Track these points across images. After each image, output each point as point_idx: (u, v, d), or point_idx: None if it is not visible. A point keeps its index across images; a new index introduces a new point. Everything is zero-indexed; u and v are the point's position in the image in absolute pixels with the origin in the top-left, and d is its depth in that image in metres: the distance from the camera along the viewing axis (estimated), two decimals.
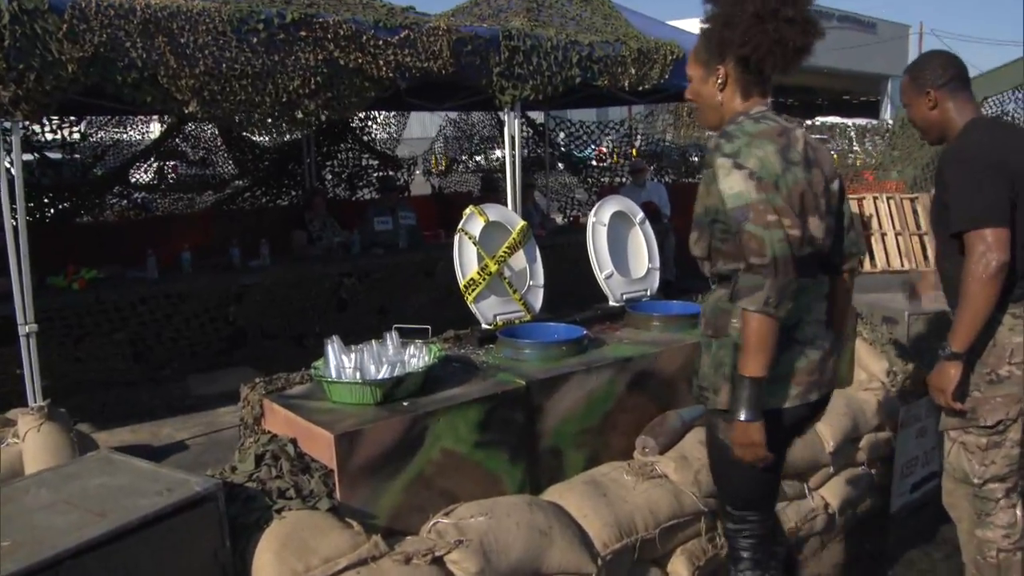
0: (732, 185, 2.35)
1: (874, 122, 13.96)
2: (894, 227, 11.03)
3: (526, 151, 11.56)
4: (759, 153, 2.36)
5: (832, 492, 4.02)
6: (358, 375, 3.15)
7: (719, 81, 2.51)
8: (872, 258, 10.62)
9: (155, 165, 9.55)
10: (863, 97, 39.10)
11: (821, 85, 36.64)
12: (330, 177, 10.18)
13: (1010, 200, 2.73)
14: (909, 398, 4.43)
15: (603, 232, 4.54)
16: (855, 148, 13.06)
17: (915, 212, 10.90)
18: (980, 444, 2.96)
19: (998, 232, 2.69)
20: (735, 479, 2.68)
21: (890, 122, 13.23)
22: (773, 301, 2.30)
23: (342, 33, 5.44)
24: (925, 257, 10.88)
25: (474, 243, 4.04)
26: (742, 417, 2.39)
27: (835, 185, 2.57)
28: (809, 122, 14.58)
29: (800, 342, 2.51)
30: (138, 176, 9.48)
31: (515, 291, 4.14)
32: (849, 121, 14.11)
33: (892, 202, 10.83)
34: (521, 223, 4.28)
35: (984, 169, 2.75)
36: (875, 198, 11.12)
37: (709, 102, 2.57)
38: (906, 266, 10.73)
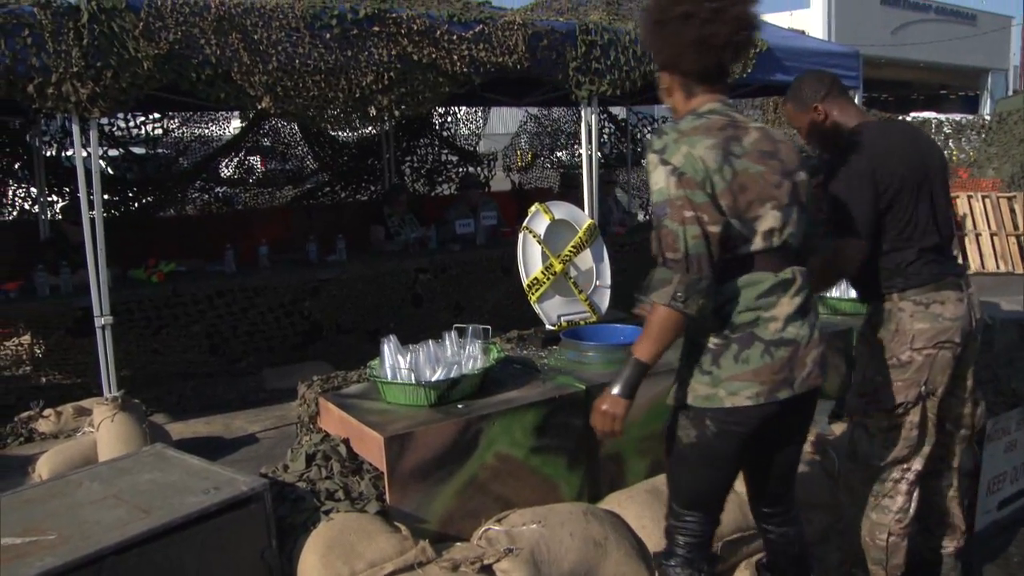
0: (656, 181, 2.39)
1: (970, 117, 13.42)
2: (989, 227, 10.62)
3: (607, 147, 11.42)
4: (685, 149, 2.36)
5: None
6: (412, 376, 3.10)
7: (664, 88, 2.58)
8: (965, 259, 10.24)
9: (236, 160, 9.67)
10: (961, 92, 37.87)
11: (917, 79, 35.62)
12: (409, 172, 10.19)
13: (875, 208, 2.95)
14: (997, 409, 4.20)
15: None
16: (950, 144, 12.58)
17: (1012, 211, 10.48)
18: (881, 426, 3.07)
19: (861, 244, 2.95)
20: (683, 476, 2.64)
21: (987, 117, 12.70)
22: (681, 297, 2.33)
23: (416, 28, 5.40)
24: (1023, 259, 10.47)
25: (538, 241, 3.97)
26: (615, 391, 2.48)
27: (799, 176, 2.51)
28: (902, 118, 14.10)
29: (762, 339, 2.43)
30: (221, 171, 9.63)
31: (581, 291, 4.05)
32: (944, 117, 13.60)
33: (988, 201, 10.42)
34: (588, 221, 4.19)
35: (852, 177, 2.95)
36: (969, 197, 10.71)
37: (672, 108, 2.61)
38: (1002, 268, 10.30)
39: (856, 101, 8.15)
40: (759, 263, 2.43)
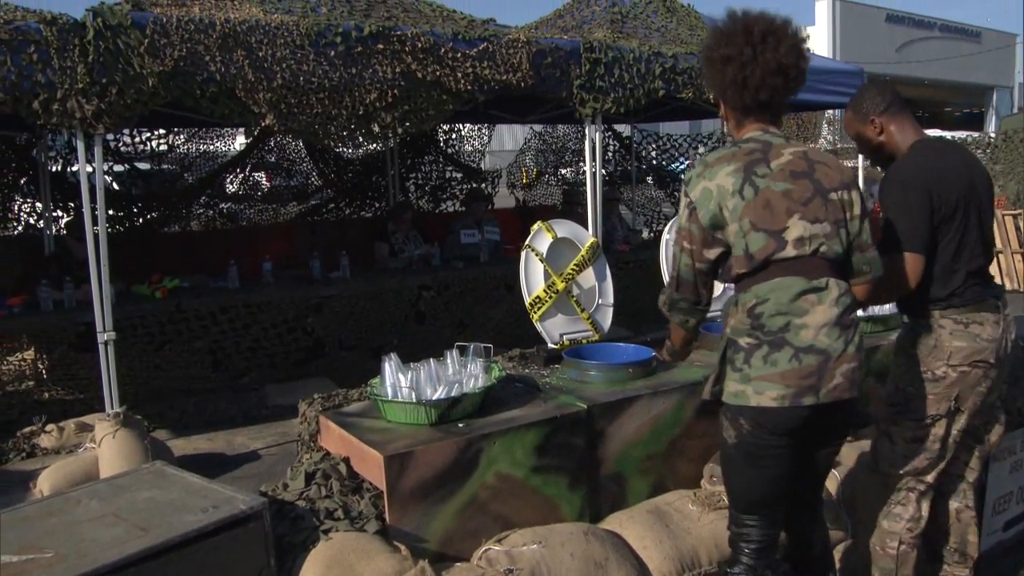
0: (681, 209, 2.77)
1: (975, 135, 13.39)
2: (995, 244, 10.61)
3: (612, 165, 11.42)
4: (703, 185, 2.65)
5: None
6: (413, 395, 3.09)
7: (721, 115, 2.89)
8: None
9: (241, 176, 9.70)
10: (966, 109, 37.89)
11: (922, 96, 35.61)
12: (414, 189, 10.20)
13: (930, 225, 2.97)
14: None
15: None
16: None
17: (1018, 229, 10.45)
18: (906, 436, 3.10)
19: (915, 258, 2.97)
20: (734, 478, 2.74)
21: (992, 135, 12.68)
22: (666, 307, 2.88)
23: (420, 45, 5.42)
24: None
25: (541, 260, 3.96)
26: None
27: (839, 195, 2.64)
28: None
29: (792, 344, 2.53)
30: (226, 187, 9.66)
31: (583, 310, 4.04)
32: (948, 134, 13.58)
33: (993, 219, 10.40)
34: (591, 240, 4.18)
35: (907, 191, 2.99)
36: None
37: (729, 132, 2.92)
38: (1007, 286, 10.27)
39: None
40: (791, 268, 2.57)
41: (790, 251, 2.55)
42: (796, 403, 2.52)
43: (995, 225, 9.56)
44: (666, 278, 4.09)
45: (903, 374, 3.12)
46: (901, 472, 3.13)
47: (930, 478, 3.13)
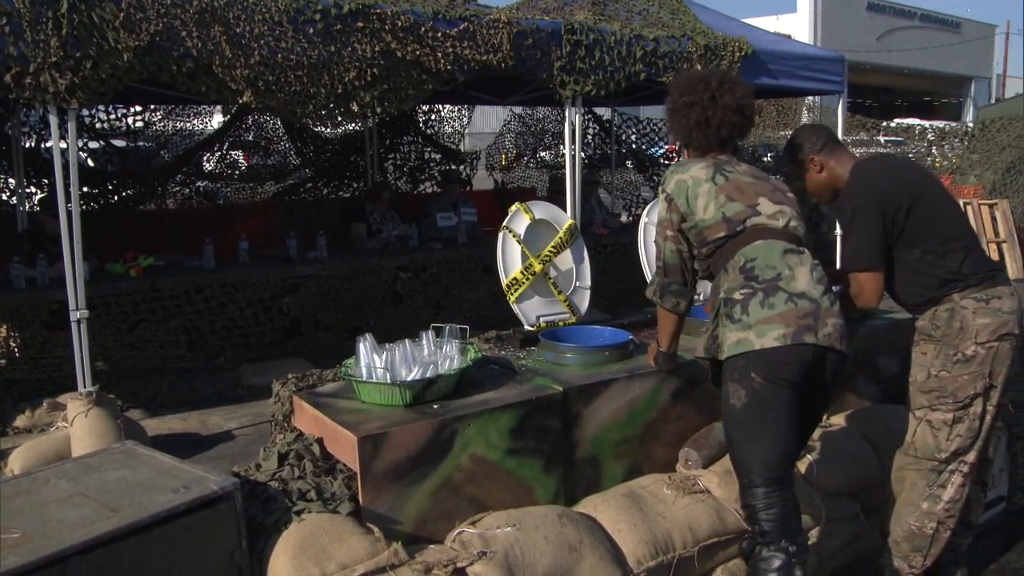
0: (660, 207, 3.14)
1: (953, 124, 13.45)
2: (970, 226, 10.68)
3: (592, 148, 11.39)
4: (676, 177, 3.05)
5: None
6: (387, 376, 3.07)
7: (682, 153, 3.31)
8: None
9: (218, 154, 9.60)
10: (945, 99, 38.12)
11: (902, 86, 35.79)
12: (392, 170, 10.13)
13: (884, 238, 3.13)
14: None
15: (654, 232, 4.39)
16: (933, 151, 12.62)
17: (994, 219, 10.49)
18: (946, 420, 3.16)
19: (869, 276, 3.14)
20: (752, 441, 2.79)
21: (970, 124, 12.73)
22: (658, 294, 3.19)
23: (400, 24, 5.36)
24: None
25: (518, 241, 3.94)
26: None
27: (790, 193, 3.10)
28: (886, 124, 14.13)
29: (785, 290, 2.79)
30: (204, 165, 9.55)
31: (560, 292, 4.03)
32: (927, 123, 13.63)
33: (970, 208, 10.43)
34: (569, 222, 4.16)
35: (855, 213, 3.15)
36: None
37: None
38: None
39: (840, 107, 8.22)
40: (770, 234, 2.91)
41: (764, 219, 2.92)
42: (798, 340, 2.71)
43: (971, 215, 9.60)
44: (648, 268, 4.15)
45: (932, 360, 3.18)
46: (945, 457, 3.18)
47: (971, 457, 3.19)
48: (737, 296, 2.83)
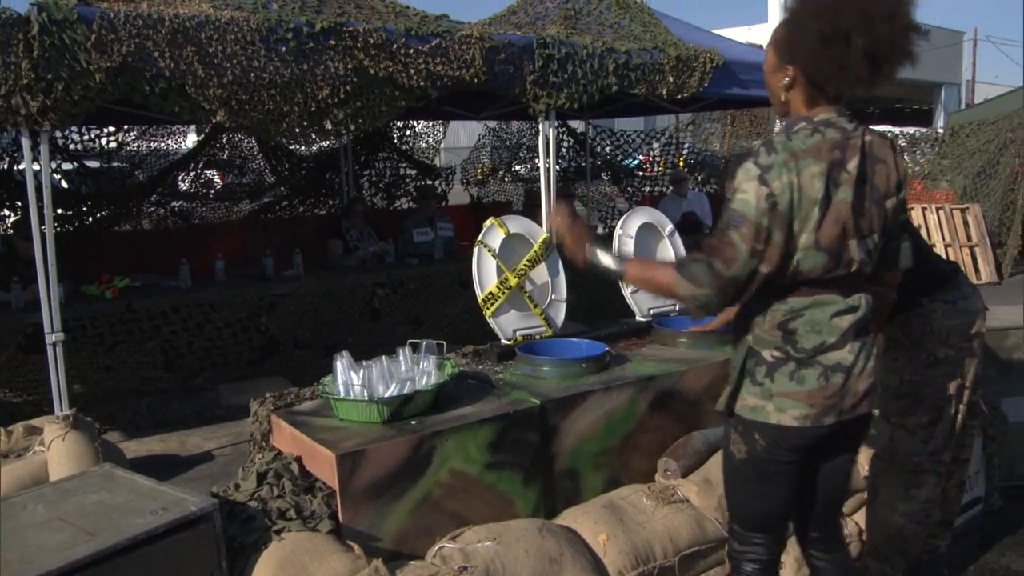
0: (746, 191, 2.30)
1: (924, 130, 13.60)
2: (943, 238, 10.77)
3: (566, 160, 11.45)
4: (789, 178, 2.28)
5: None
6: (365, 392, 3.08)
7: (786, 80, 2.42)
8: None
9: (193, 174, 9.58)
10: (915, 106, 38.49)
11: (873, 94, 36.05)
12: (368, 186, 10.14)
13: None
14: None
15: (630, 244, 4.43)
16: (904, 157, 12.78)
17: (965, 223, 10.62)
18: (922, 423, 3.18)
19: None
20: (741, 494, 2.62)
21: (941, 130, 12.89)
22: (694, 304, 2.38)
23: (372, 42, 5.37)
24: (976, 270, 10.62)
25: (493, 255, 3.96)
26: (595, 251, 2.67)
27: (890, 203, 2.45)
28: None
29: (823, 364, 2.40)
30: (179, 185, 9.52)
31: (536, 305, 4.05)
32: (899, 130, 13.77)
33: (941, 213, 10.56)
34: (543, 235, 4.18)
35: None
36: (924, 209, 10.85)
37: (775, 93, 2.48)
38: None
39: None
40: (831, 284, 2.40)
41: (839, 271, 2.37)
42: (818, 423, 2.42)
43: (943, 220, 9.69)
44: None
45: (904, 365, 3.20)
46: (922, 459, 3.22)
47: (946, 456, 3.24)
48: (766, 356, 2.44)
